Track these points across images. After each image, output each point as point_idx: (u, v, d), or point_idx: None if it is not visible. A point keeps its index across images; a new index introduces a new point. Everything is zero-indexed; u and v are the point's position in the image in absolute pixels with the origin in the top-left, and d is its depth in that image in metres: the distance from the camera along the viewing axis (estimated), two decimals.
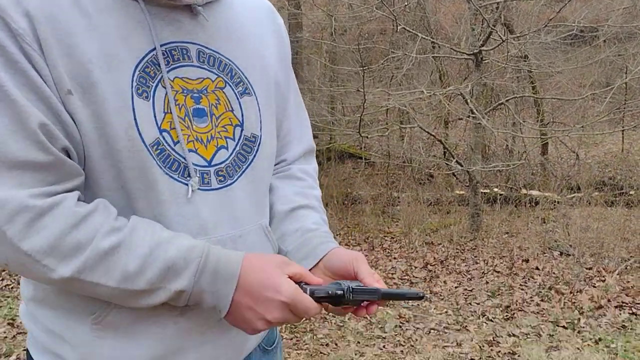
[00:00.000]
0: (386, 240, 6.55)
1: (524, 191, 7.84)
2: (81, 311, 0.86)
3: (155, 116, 0.84)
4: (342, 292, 0.84)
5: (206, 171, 0.90)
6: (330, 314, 4.33)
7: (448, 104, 7.28)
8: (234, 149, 0.93)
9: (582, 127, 7.55)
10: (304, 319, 0.87)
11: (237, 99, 0.95)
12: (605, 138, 10.57)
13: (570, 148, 9.19)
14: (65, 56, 0.79)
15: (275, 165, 1.11)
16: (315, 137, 10.29)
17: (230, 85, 0.94)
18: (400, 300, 0.94)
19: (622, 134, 9.85)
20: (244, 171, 0.94)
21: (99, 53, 0.81)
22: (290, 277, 0.84)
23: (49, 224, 0.76)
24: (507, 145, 8.91)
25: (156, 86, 0.85)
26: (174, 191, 0.86)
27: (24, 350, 3.42)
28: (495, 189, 8.01)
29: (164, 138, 0.85)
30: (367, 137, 8.23)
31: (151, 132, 0.84)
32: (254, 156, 0.96)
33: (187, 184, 0.87)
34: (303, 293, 0.83)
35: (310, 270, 0.97)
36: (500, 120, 9.11)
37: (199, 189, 0.88)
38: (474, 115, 6.48)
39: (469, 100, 6.57)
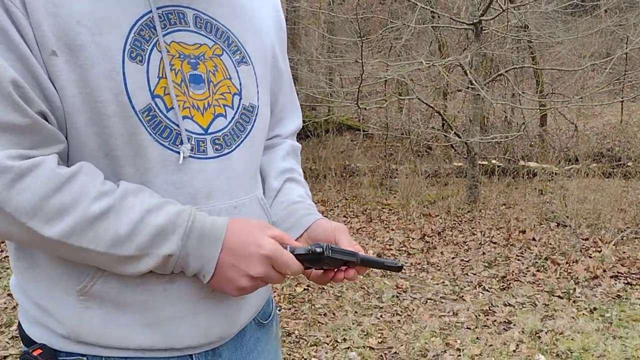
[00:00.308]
0: (384, 212, 6.57)
1: (522, 163, 7.84)
2: (67, 283, 0.85)
3: (148, 81, 0.82)
4: (321, 249, 0.86)
5: (202, 139, 0.87)
6: (329, 284, 4.36)
7: (447, 75, 7.22)
8: (233, 118, 0.92)
9: (581, 98, 7.50)
10: (286, 277, 0.88)
11: (235, 67, 0.93)
12: (604, 109, 10.53)
13: (569, 119, 9.16)
14: (51, 15, 0.76)
15: (269, 139, 1.10)
16: (313, 109, 10.29)
17: (227, 53, 0.92)
18: (379, 268, 0.95)
19: (622, 105, 9.81)
20: (242, 141, 0.93)
21: (89, 15, 0.79)
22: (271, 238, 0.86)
23: (31, 185, 0.74)
24: (505, 116, 8.88)
25: (151, 50, 0.83)
26: (164, 158, 0.84)
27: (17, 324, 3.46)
28: (493, 161, 8.01)
29: (156, 104, 0.83)
30: (365, 109, 8.18)
31: (142, 97, 0.81)
32: (252, 126, 0.95)
33: (178, 152, 0.85)
34: (283, 249, 0.85)
35: (297, 239, 0.99)
36: (500, 91, 9.06)
37: (193, 156, 0.86)
38: (473, 87, 6.43)
39: (468, 71, 6.51)
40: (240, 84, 0.93)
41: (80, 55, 0.78)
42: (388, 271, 0.94)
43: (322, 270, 0.92)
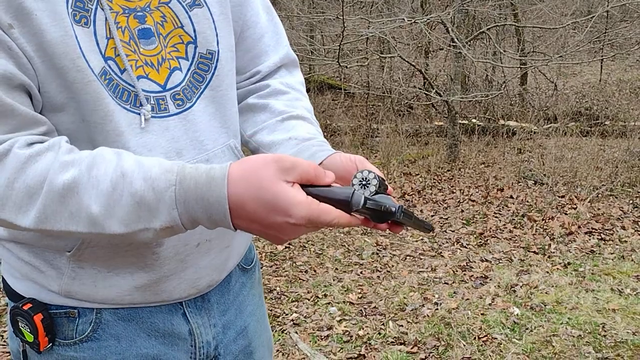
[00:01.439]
0: None
1: (501, 122, 7.89)
2: (56, 248, 0.84)
3: (98, 44, 0.77)
4: (395, 209, 0.72)
5: (162, 97, 0.83)
6: (310, 242, 4.37)
7: (429, 33, 7.14)
8: (189, 69, 0.86)
9: (562, 56, 7.51)
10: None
11: (186, 12, 0.86)
12: (584, 68, 10.58)
13: (549, 78, 9.19)
14: None
15: (249, 79, 1.02)
16: None
17: None
18: (418, 228, 0.86)
19: (601, 63, 9.85)
20: (202, 92, 0.88)
21: None
22: (296, 182, 0.70)
23: None
24: (486, 75, 8.86)
25: (95, 9, 0.77)
26: (130, 122, 0.80)
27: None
28: (474, 120, 8.04)
29: (109, 67, 0.78)
30: (346, 67, 8.09)
31: (96, 61, 0.77)
32: (212, 74, 0.89)
33: (139, 114, 0.81)
34: (320, 205, 0.69)
35: None
36: (481, 50, 9.02)
37: (155, 116, 0.82)
38: (454, 45, 6.39)
39: (450, 29, 6.45)
40: (194, 30, 0.86)
41: (29, 24, 0.73)
42: (420, 231, 0.86)
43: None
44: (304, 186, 0.70)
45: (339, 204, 0.70)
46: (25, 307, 0.86)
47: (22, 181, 0.70)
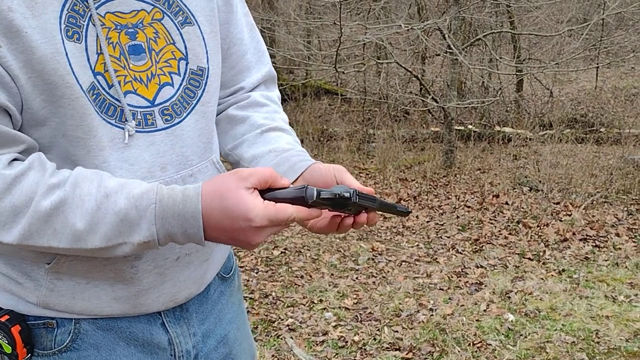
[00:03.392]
0: (361, 176, 6.61)
1: (497, 128, 7.92)
2: (35, 258, 0.85)
3: (88, 59, 0.79)
4: (349, 194, 0.78)
5: (149, 112, 0.85)
6: (305, 247, 4.38)
7: (426, 39, 7.18)
8: (180, 85, 0.88)
9: (557, 63, 7.56)
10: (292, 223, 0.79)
11: (178, 30, 0.88)
12: (579, 75, 10.63)
13: (545, 85, 9.24)
14: None
15: (232, 95, 1.05)
16: (290, 72, 10.14)
17: (168, 16, 0.87)
18: (391, 212, 0.90)
19: (597, 71, 9.91)
20: (193, 107, 0.89)
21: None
22: (255, 188, 0.76)
23: None
24: (483, 82, 8.90)
25: (87, 25, 0.79)
26: (113, 137, 0.81)
27: None
28: (470, 126, 8.07)
29: (98, 82, 0.80)
30: (343, 73, 8.12)
31: (86, 76, 0.78)
32: (203, 90, 0.90)
33: (123, 128, 0.82)
34: (275, 205, 0.75)
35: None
36: (477, 56, 9.06)
37: (141, 131, 0.84)
38: (451, 51, 6.42)
39: (446, 35, 6.49)
40: (185, 47, 0.88)
41: (18, 42, 0.74)
42: (397, 216, 0.88)
43: (331, 216, 0.85)
44: (264, 192, 0.77)
45: (297, 201, 0.77)
46: (3, 319, 0.86)
47: (9, 200, 0.74)
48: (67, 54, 0.77)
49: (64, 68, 0.76)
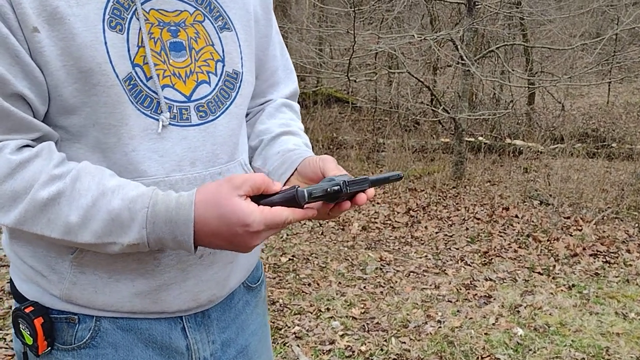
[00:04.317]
0: None
1: (508, 141, 7.89)
2: (60, 250, 0.86)
3: (129, 50, 0.82)
4: (338, 187, 0.81)
5: (185, 106, 0.87)
6: (312, 255, 4.37)
7: (438, 50, 7.18)
8: (217, 85, 0.91)
9: (570, 77, 7.53)
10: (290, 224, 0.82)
11: (217, 33, 0.92)
12: (592, 90, 10.59)
13: (557, 99, 9.21)
14: None
15: (261, 105, 1.10)
16: (302, 79, 10.19)
17: (209, 19, 0.91)
18: (385, 183, 0.92)
19: (609, 86, 9.87)
20: (227, 107, 0.92)
21: None
22: (249, 196, 0.78)
23: None
24: (494, 94, 8.89)
25: (131, 18, 0.82)
26: (146, 127, 0.83)
27: (8, 282, 3.45)
28: (480, 138, 8.05)
29: (136, 73, 0.82)
30: (355, 81, 8.13)
31: (124, 66, 0.81)
32: (237, 93, 0.94)
33: (157, 119, 0.84)
34: (271, 209, 0.77)
35: (287, 181, 0.96)
36: (489, 68, 9.05)
37: (175, 124, 0.86)
38: (463, 62, 6.41)
39: (459, 47, 6.48)
40: (223, 50, 0.92)
41: (60, 28, 0.77)
42: (391, 182, 0.89)
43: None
44: (257, 198, 0.79)
45: (291, 203, 0.79)
46: (27, 310, 0.88)
47: (10, 185, 0.76)
48: (106, 43, 0.79)
49: (102, 56, 0.79)
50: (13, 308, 0.91)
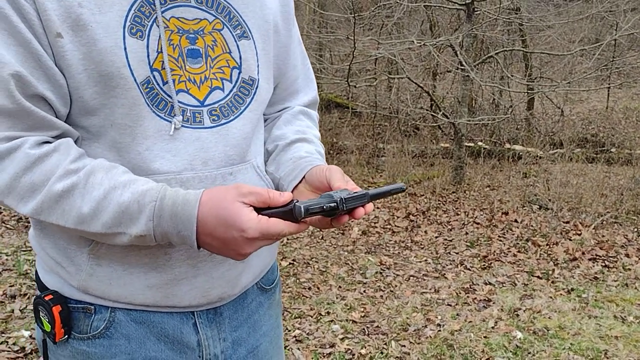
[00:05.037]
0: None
1: (507, 145, 7.92)
2: (79, 242, 0.90)
3: (148, 55, 0.86)
4: (335, 204, 0.83)
5: (198, 110, 0.91)
6: (313, 259, 4.38)
7: (437, 55, 7.22)
8: (231, 90, 0.95)
9: (569, 83, 7.56)
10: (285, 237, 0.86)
11: (235, 41, 0.95)
12: (591, 95, 10.63)
13: (556, 104, 9.24)
14: (55, 0, 0.80)
15: (279, 112, 1.14)
16: None
17: (228, 28, 0.95)
18: (387, 196, 0.92)
19: (608, 91, 9.91)
20: (241, 112, 0.96)
21: None
22: (252, 205, 0.81)
23: (7, 166, 0.81)
24: (493, 99, 8.92)
25: (151, 25, 0.87)
26: (160, 128, 0.88)
27: (10, 286, 3.47)
28: (480, 143, 8.07)
29: (154, 77, 0.87)
30: (355, 87, 8.17)
31: (142, 70, 0.85)
32: (252, 98, 0.97)
33: (170, 122, 0.89)
34: (269, 220, 0.80)
35: (295, 187, 0.99)
36: (489, 73, 9.09)
37: (188, 126, 0.90)
38: (462, 68, 6.45)
39: (458, 52, 6.52)
40: (240, 57, 0.96)
41: (83, 34, 0.82)
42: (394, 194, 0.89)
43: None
44: (260, 209, 0.81)
45: (288, 217, 0.82)
46: (47, 298, 0.92)
47: (29, 177, 0.81)
48: (125, 49, 0.84)
49: (121, 60, 0.84)
50: (35, 296, 0.96)
